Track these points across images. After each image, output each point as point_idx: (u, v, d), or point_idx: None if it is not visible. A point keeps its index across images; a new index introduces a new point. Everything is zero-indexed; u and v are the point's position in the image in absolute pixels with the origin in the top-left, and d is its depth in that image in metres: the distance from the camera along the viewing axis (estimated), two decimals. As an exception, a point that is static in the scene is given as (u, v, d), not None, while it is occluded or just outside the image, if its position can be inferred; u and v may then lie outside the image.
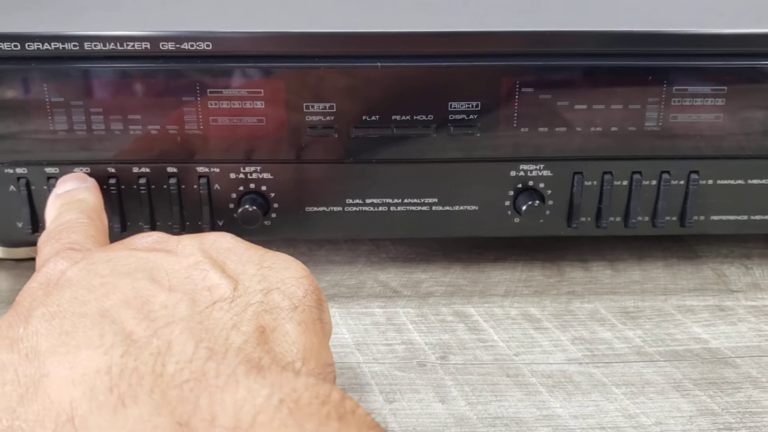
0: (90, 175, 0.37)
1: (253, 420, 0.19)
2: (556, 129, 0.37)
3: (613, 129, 0.37)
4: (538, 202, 0.38)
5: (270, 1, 0.41)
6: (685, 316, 0.36)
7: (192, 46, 0.35)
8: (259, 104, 0.36)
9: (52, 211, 0.33)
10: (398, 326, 0.35)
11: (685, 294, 0.38)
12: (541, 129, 0.37)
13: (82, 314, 0.23)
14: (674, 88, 0.37)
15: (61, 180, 0.36)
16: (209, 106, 0.36)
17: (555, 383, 0.31)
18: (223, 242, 0.28)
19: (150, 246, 0.28)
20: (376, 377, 0.32)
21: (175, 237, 0.29)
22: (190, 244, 0.28)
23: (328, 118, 0.36)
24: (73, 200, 0.34)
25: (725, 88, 0.37)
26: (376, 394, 0.31)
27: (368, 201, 0.38)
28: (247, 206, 0.37)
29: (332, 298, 0.38)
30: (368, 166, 0.38)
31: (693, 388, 0.31)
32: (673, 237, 0.44)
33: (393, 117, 0.36)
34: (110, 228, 0.37)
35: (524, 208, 0.38)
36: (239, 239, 0.29)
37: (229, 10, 0.39)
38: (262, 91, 0.36)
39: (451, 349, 0.34)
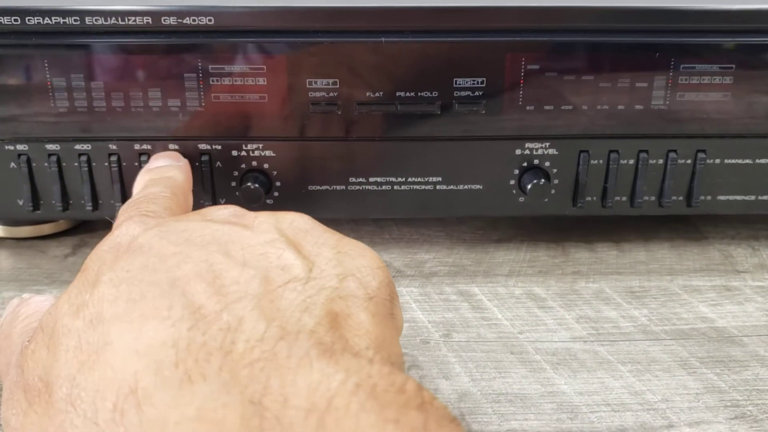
0: (90, 151, 0.37)
1: (328, 403, 0.18)
2: (562, 107, 0.36)
3: (620, 107, 0.37)
4: (543, 180, 0.37)
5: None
6: (692, 296, 0.36)
7: (194, 20, 0.35)
8: (261, 80, 0.36)
9: (139, 184, 0.33)
10: (402, 305, 0.35)
11: (691, 274, 0.38)
12: (546, 107, 0.36)
13: (151, 282, 0.22)
14: (682, 65, 0.36)
15: (154, 156, 0.36)
16: (211, 83, 0.36)
17: (559, 360, 0.31)
18: (300, 223, 0.27)
19: (226, 219, 0.27)
20: (379, 354, 0.31)
21: (252, 212, 0.28)
22: (266, 221, 0.27)
23: (331, 94, 0.36)
24: (162, 176, 0.34)
25: (733, 66, 0.37)
26: (379, 370, 0.30)
27: (372, 180, 0.38)
28: (249, 184, 0.37)
29: (335, 277, 0.37)
30: (372, 143, 0.37)
31: (699, 366, 0.31)
32: (680, 218, 0.43)
33: (397, 94, 0.36)
34: (108, 204, 0.37)
35: (529, 186, 0.37)
36: (316, 222, 0.28)
37: None
38: (264, 67, 0.36)
39: (455, 327, 0.33)
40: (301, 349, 0.20)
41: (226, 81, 0.36)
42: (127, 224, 0.26)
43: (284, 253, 0.24)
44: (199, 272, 0.23)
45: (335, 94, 0.36)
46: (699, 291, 0.36)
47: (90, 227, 0.43)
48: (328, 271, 0.24)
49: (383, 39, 0.35)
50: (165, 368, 0.19)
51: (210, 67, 0.36)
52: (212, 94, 0.36)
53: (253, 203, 0.37)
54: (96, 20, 0.34)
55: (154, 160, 0.36)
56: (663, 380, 0.30)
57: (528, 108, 0.36)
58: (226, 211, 0.28)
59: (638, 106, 0.37)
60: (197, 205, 0.38)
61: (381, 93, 0.36)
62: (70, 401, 0.20)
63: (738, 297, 0.36)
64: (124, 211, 0.29)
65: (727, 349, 0.32)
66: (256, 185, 0.37)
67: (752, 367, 0.31)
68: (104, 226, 0.42)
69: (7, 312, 0.27)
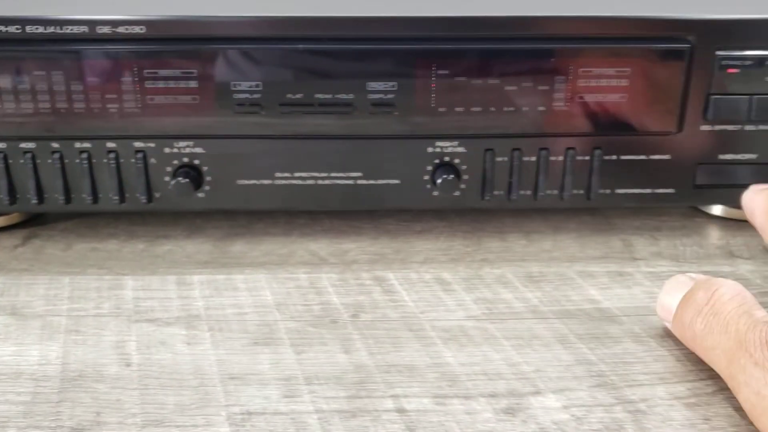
0: (35, 149, 0.40)
1: None
2: (468, 108, 0.40)
3: (523, 109, 0.40)
4: (452, 176, 0.41)
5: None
6: (585, 281, 0.39)
7: (127, 29, 0.38)
8: (192, 83, 0.39)
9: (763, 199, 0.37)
10: (319, 289, 0.38)
11: (590, 261, 0.41)
12: (453, 108, 0.40)
13: None
14: (580, 69, 0.40)
15: (756, 185, 0.39)
16: (146, 86, 0.39)
17: (451, 336, 0.34)
18: None
19: None
20: (290, 332, 0.35)
21: None
22: None
23: (255, 95, 0.39)
24: None
25: (628, 69, 0.40)
26: (287, 346, 0.33)
27: (296, 174, 0.41)
28: (180, 179, 0.40)
29: (263, 265, 0.41)
30: (295, 141, 0.41)
31: (576, 341, 0.34)
32: (591, 210, 0.47)
33: (316, 96, 0.39)
34: (52, 198, 0.40)
35: (439, 182, 0.41)
36: None
37: None
38: (193, 71, 0.39)
39: (364, 309, 0.37)
40: None
41: (160, 84, 0.39)
42: None
43: None
44: None
45: (259, 96, 0.39)
46: (593, 276, 0.40)
47: (42, 221, 0.46)
48: None
49: (301, 45, 0.38)
50: None
51: (145, 71, 0.39)
52: (147, 97, 0.39)
53: (184, 197, 0.40)
54: (36, 29, 0.38)
55: (760, 185, 0.38)
56: (540, 353, 0.33)
57: (437, 110, 0.40)
58: None
59: (540, 108, 0.40)
60: (136, 201, 0.41)
61: (301, 95, 0.39)
62: None
63: (628, 281, 0.39)
64: None
65: (605, 327, 0.35)
66: (187, 180, 0.40)
67: (624, 342, 0.34)
68: (54, 219, 0.46)
69: (681, 289, 0.33)
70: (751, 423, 0.28)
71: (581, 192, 0.42)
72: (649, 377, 0.32)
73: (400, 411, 0.30)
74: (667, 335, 0.34)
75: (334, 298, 0.38)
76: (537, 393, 0.31)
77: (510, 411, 0.30)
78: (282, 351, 0.33)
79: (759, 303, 0.32)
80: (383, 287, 0.39)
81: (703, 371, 0.32)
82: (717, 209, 0.46)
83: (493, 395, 0.30)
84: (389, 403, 0.30)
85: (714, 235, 0.44)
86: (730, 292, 0.31)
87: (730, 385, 0.30)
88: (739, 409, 0.29)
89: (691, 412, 0.30)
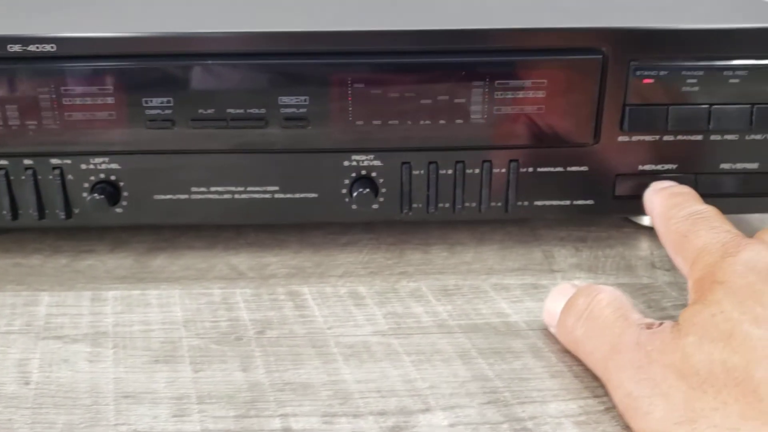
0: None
1: None
2: (383, 122, 0.40)
3: (440, 122, 0.40)
4: (368, 190, 0.40)
5: (110, 7, 0.45)
6: (498, 294, 0.39)
7: (38, 48, 0.38)
8: (108, 99, 0.39)
9: (663, 200, 0.37)
10: (230, 305, 0.38)
11: (507, 273, 0.41)
12: (366, 122, 0.39)
13: None
14: (495, 82, 0.40)
15: (656, 182, 0.39)
16: (62, 103, 0.39)
17: (353, 353, 0.34)
18: None
19: None
20: (192, 350, 0.34)
21: None
22: None
23: (166, 111, 0.39)
24: (681, 192, 0.37)
25: (544, 81, 0.40)
26: (186, 364, 0.33)
27: (213, 189, 0.41)
28: (95, 195, 0.40)
29: (179, 280, 0.41)
30: (209, 156, 0.40)
31: (477, 356, 0.34)
32: (518, 221, 0.47)
33: (227, 110, 0.39)
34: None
35: (354, 195, 0.41)
36: None
37: (74, 13, 0.43)
38: (109, 87, 0.39)
39: (271, 325, 0.36)
40: None
41: (77, 101, 0.39)
42: (754, 248, 0.30)
43: None
44: None
45: (170, 112, 0.39)
46: (507, 289, 0.40)
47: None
48: None
49: (210, 61, 0.38)
50: None
51: (61, 89, 0.39)
52: (66, 113, 0.39)
53: (100, 212, 0.40)
54: (-53, 47, 0.38)
55: (661, 183, 0.39)
56: (438, 369, 0.33)
57: (350, 123, 0.39)
58: None
59: (457, 121, 0.40)
60: (55, 216, 0.41)
61: (212, 110, 0.39)
62: None
63: (541, 294, 0.39)
64: (697, 230, 0.33)
65: (509, 342, 0.35)
66: (103, 196, 0.40)
67: (524, 357, 0.34)
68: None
69: (564, 295, 0.34)
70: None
71: (499, 204, 0.42)
72: (543, 394, 0.31)
73: (286, 430, 0.30)
74: (569, 350, 0.34)
75: (244, 314, 0.37)
76: (426, 410, 0.30)
77: (396, 429, 0.30)
78: (180, 369, 0.33)
79: (636, 307, 0.32)
80: (296, 302, 0.39)
81: (598, 388, 0.32)
82: (646, 219, 0.46)
83: (382, 413, 0.30)
84: (277, 423, 0.30)
85: (639, 246, 0.44)
86: (607, 298, 0.32)
87: (607, 389, 0.30)
88: (627, 427, 0.29)
89: (579, 431, 0.30)
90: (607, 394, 0.31)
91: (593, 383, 0.32)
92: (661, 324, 0.29)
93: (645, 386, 0.28)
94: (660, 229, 0.36)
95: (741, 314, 0.27)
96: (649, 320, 0.30)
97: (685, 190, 0.38)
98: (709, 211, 0.35)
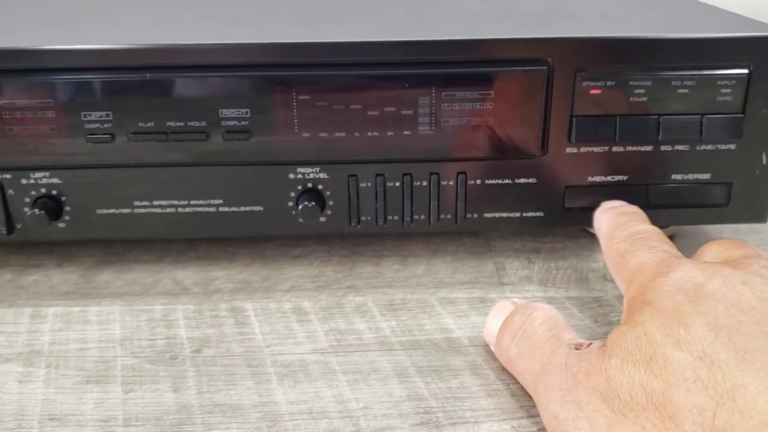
0: None
1: None
2: (328, 134, 0.39)
3: (388, 133, 0.39)
4: (312, 203, 0.40)
5: (50, 18, 0.44)
6: (445, 308, 0.38)
7: (-27, 60, 0.37)
8: (48, 113, 0.38)
9: (610, 219, 0.36)
10: (170, 322, 0.38)
11: (456, 287, 0.40)
12: (310, 134, 0.39)
13: (750, 336, 0.25)
14: (442, 93, 0.39)
15: (607, 201, 0.39)
16: (2, 117, 0.38)
17: (289, 372, 0.33)
18: None
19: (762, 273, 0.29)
20: (125, 369, 0.34)
21: (764, 257, 0.30)
22: None
23: (105, 125, 0.38)
24: (628, 212, 0.37)
25: (491, 92, 0.39)
26: (118, 384, 0.33)
27: (156, 203, 0.40)
28: (35, 210, 0.39)
29: (122, 296, 0.40)
30: (151, 170, 0.40)
31: (414, 374, 0.33)
32: (474, 233, 0.46)
33: (167, 124, 0.38)
34: None
35: (300, 208, 0.40)
36: None
37: (12, 25, 0.42)
38: (48, 101, 0.38)
39: (209, 343, 0.36)
40: None
41: (18, 114, 0.38)
42: (683, 268, 0.29)
43: None
44: None
45: (109, 125, 0.38)
46: (454, 303, 0.39)
47: None
48: None
49: (148, 74, 0.38)
50: None
51: (1, 102, 0.38)
52: (6, 127, 0.38)
53: (43, 227, 0.40)
54: None
55: (611, 203, 0.38)
56: (374, 389, 0.32)
57: (293, 135, 0.39)
58: (765, 261, 0.30)
59: (404, 132, 0.39)
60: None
61: (152, 123, 0.38)
62: (706, 429, 0.23)
63: (487, 308, 0.38)
64: (635, 250, 0.32)
65: (449, 359, 0.34)
66: (43, 211, 0.39)
67: (462, 375, 0.33)
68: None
69: (504, 313, 0.33)
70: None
71: (449, 217, 0.41)
72: (476, 414, 0.31)
73: (211, 454, 0.29)
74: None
75: (183, 332, 0.37)
76: (356, 433, 0.30)
77: (323, 453, 0.29)
78: (111, 390, 0.33)
79: (571, 326, 0.31)
80: (237, 319, 0.38)
81: (533, 407, 0.31)
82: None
83: (309, 436, 0.30)
84: (202, 446, 0.29)
85: (593, 257, 0.44)
86: (542, 317, 0.31)
87: (538, 410, 0.29)
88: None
89: (509, 452, 0.29)
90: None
91: (529, 402, 0.31)
92: (590, 345, 0.29)
93: (570, 409, 0.27)
94: (604, 249, 0.36)
95: (664, 336, 0.26)
96: (579, 340, 0.30)
97: (632, 209, 0.37)
98: (651, 231, 0.34)
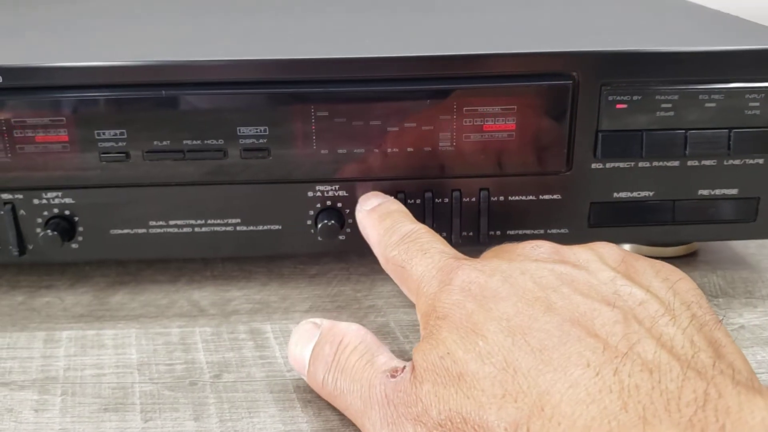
0: None
1: None
2: (347, 150, 0.38)
3: (408, 150, 0.39)
4: (332, 222, 0.39)
5: (58, 37, 0.44)
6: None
7: (-16, 79, 0.37)
8: (60, 132, 0.37)
9: (374, 225, 0.35)
10: (188, 346, 0.37)
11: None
12: (329, 150, 0.38)
13: (542, 331, 0.24)
14: (464, 109, 0.38)
15: (363, 198, 0.38)
16: (14, 135, 0.37)
17: (312, 398, 0.32)
18: (613, 254, 0.28)
19: (550, 257, 0.28)
20: (144, 396, 0.33)
21: (565, 247, 0.29)
22: (590, 258, 0.28)
23: (120, 143, 0.37)
24: (390, 211, 0.35)
25: (514, 107, 0.38)
26: (136, 413, 0.32)
27: (171, 222, 0.40)
28: (48, 231, 0.39)
29: (137, 318, 0.39)
30: (167, 189, 0.39)
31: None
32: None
33: (184, 142, 0.38)
34: None
35: (319, 227, 0.39)
36: (622, 249, 0.29)
37: (22, 42, 0.41)
38: (61, 119, 0.37)
39: (229, 368, 0.35)
40: (726, 387, 0.21)
41: (29, 133, 0.38)
42: (462, 270, 0.28)
43: (632, 289, 0.26)
44: (574, 318, 0.24)
45: (124, 144, 0.37)
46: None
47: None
48: (672, 300, 0.25)
49: (163, 91, 0.37)
50: (618, 413, 0.21)
51: (13, 121, 0.37)
52: (17, 146, 0.38)
53: (55, 248, 0.39)
54: None
55: (367, 201, 0.37)
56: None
57: (313, 152, 0.38)
58: (543, 249, 0.29)
59: (425, 149, 0.38)
60: (8, 253, 0.40)
61: (168, 142, 0.38)
62: None
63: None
64: (411, 258, 0.31)
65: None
66: (56, 232, 0.38)
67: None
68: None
69: (308, 338, 0.31)
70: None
71: (471, 234, 0.40)
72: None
73: (236, 488, 0.28)
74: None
75: (201, 356, 0.36)
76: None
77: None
78: (130, 418, 0.32)
79: (383, 344, 0.30)
80: (257, 342, 0.37)
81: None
82: (627, 246, 0.45)
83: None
84: (226, 479, 0.28)
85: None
86: (353, 342, 0.30)
87: None
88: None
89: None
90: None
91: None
92: (404, 368, 0.28)
93: None
94: (380, 260, 0.34)
95: (465, 353, 0.25)
96: (393, 364, 0.28)
97: (393, 207, 0.36)
98: (419, 231, 0.33)
